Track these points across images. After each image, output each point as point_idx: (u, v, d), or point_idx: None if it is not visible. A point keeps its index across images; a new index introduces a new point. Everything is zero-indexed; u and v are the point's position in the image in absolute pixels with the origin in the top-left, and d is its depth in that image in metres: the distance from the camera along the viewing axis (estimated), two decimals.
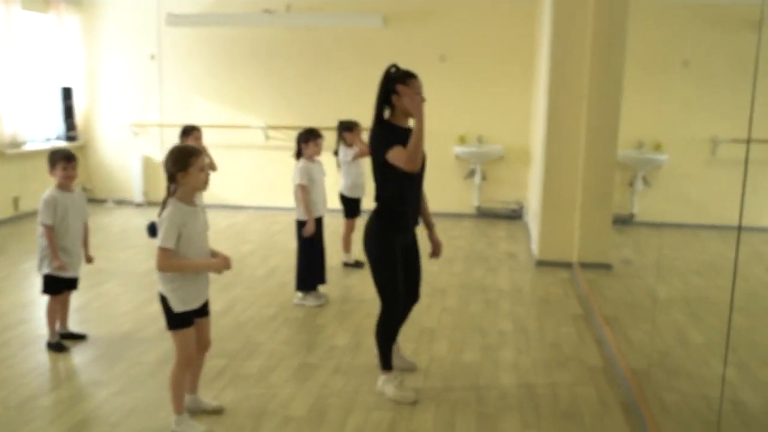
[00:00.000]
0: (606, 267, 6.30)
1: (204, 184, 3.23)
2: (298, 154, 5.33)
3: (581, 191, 6.30)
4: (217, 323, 4.56)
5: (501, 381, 3.93)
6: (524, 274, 6.30)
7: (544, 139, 6.38)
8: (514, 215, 8.79)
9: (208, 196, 5.86)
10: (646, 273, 6.49)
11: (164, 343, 4.32)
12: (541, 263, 6.51)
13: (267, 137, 8.97)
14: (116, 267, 6.25)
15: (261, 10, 8.57)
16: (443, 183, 8.62)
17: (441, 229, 7.72)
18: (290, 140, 8.85)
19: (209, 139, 5.92)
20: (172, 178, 3.15)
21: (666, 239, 7.69)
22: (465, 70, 8.54)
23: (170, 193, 3.18)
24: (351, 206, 6.29)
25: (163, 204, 3.16)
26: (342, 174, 6.24)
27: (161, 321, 4.74)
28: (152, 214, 8.71)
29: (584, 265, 6.25)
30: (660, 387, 3.74)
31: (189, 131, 5.93)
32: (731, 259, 7.22)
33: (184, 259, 3.13)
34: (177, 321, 3.22)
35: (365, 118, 6.53)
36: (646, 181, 8.39)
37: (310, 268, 5.30)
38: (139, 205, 9.26)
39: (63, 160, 4.19)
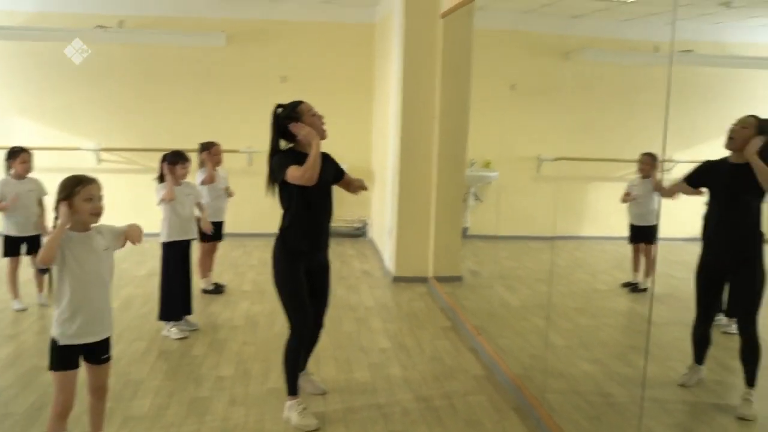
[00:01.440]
0: (458, 279, 6.68)
1: (90, 216, 3.03)
2: (161, 177, 5.10)
3: (434, 209, 6.62)
4: None
5: (398, 397, 4.04)
6: (384, 290, 6.49)
7: (397, 161, 6.63)
8: (358, 233, 9.00)
9: (35, 228, 5.49)
10: (494, 282, 6.98)
11: (32, 389, 3.96)
12: (398, 279, 6.74)
13: (99, 160, 8.43)
14: None
15: (94, 25, 8.07)
16: None
17: None
18: (125, 162, 8.43)
19: (35, 163, 5.50)
20: (56, 206, 2.97)
21: (502, 251, 8.30)
22: (306, 91, 8.50)
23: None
24: None
25: None
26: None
27: (19, 365, 4.36)
28: None
29: (439, 279, 6.57)
30: (541, 388, 4.05)
31: (16, 154, 5.46)
32: (563, 266, 7.94)
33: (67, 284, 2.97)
34: (54, 359, 3.01)
35: (207, 137, 6.36)
36: (477, 197, 8.99)
37: (174, 296, 5.08)
38: None
39: None
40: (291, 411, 3.68)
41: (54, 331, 3.02)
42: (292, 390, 3.72)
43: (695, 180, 4.07)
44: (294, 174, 3.50)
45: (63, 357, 3.00)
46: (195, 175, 5.83)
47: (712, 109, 9.07)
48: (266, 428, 3.61)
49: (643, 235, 6.50)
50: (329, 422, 3.69)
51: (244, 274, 6.91)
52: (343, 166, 3.89)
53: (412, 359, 4.69)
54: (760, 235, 3.94)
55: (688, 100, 9.60)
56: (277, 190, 3.67)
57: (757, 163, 3.74)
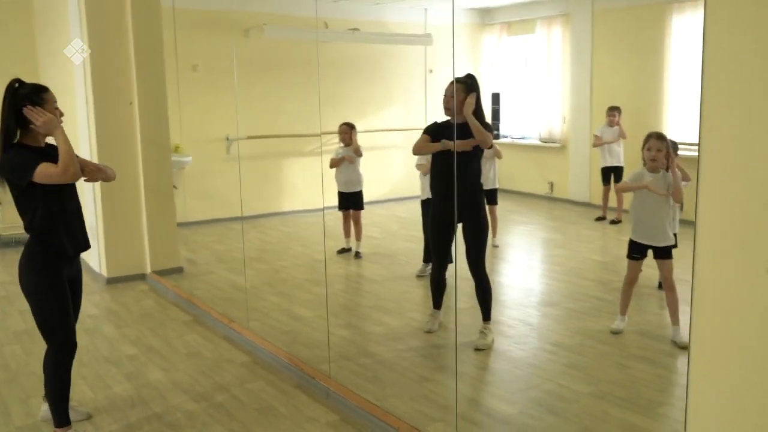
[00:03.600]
0: (179, 270, 6.42)
1: None
2: None
3: (144, 199, 6.22)
4: None
5: (174, 402, 3.79)
6: (102, 295, 5.95)
7: (94, 153, 6.03)
8: None
9: None
10: (215, 268, 6.86)
11: None
12: (113, 280, 6.22)
13: None
14: None
15: None
16: None
17: None
18: None
19: None
20: None
21: (208, 236, 8.17)
22: None
23: None
24: None
25: None
26: None
27: None
28: None
29: (159, 273, 6.23)
30: (317, 360, 4.15)
31: None
32: (272, 243, 8.10)
33: None
34: None
35: None
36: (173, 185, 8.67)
37: None
38: None
39: None
40: None
41: None
42: (64, 420, 3.29)
43: (432, 135, 4.37)
44: (49, 172, 3.07)
45: None
46: None
47: (377, 81, 9.92)
48: None
49: (350, 201, 6.93)
50: None
51: None
52: None
53: (169, 360, 4.41)
54: (481, 186, 4.48)
55: (359, 74, 10.34)
56: (8, 192, 3.19)
57: (473, 122, 4.20)
